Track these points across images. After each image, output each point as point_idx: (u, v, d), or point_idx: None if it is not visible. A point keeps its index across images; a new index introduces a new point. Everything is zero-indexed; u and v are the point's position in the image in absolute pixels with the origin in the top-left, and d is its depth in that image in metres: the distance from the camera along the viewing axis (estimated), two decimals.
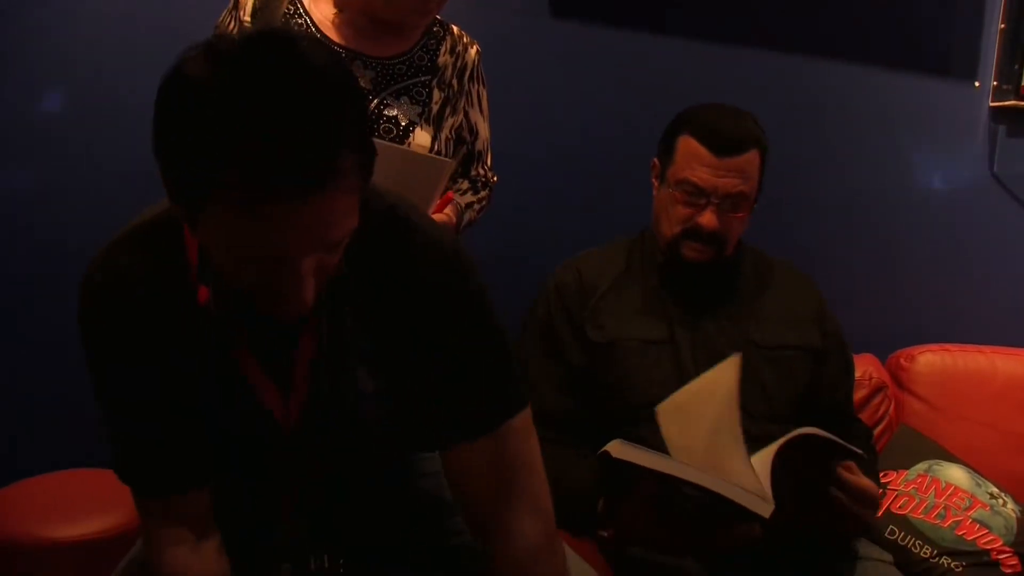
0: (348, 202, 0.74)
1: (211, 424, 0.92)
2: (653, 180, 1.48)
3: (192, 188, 0.71)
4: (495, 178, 1.68)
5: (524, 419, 0.94)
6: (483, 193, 1.63)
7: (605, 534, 1.28)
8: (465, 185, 1.62)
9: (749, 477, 1.13)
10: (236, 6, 1.47)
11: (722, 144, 1.35)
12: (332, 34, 1.47)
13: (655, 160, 1.47)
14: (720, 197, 1.36)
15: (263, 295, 0.78)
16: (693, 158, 1.36)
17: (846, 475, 1.20)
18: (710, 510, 1.15)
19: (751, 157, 1.37)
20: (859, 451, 1.18)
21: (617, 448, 1.14)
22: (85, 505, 1.70)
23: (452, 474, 0.96)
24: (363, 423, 0.94)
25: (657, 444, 1.34)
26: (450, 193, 1.51)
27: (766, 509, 1.09)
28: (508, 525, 0.92)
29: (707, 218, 1.37)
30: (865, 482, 1.22)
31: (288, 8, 1.46)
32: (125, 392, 0.91)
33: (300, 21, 1.46)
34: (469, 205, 1.58)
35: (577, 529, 1.31)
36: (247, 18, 1.45)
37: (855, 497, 1.20)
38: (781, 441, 1.15)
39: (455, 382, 0.91)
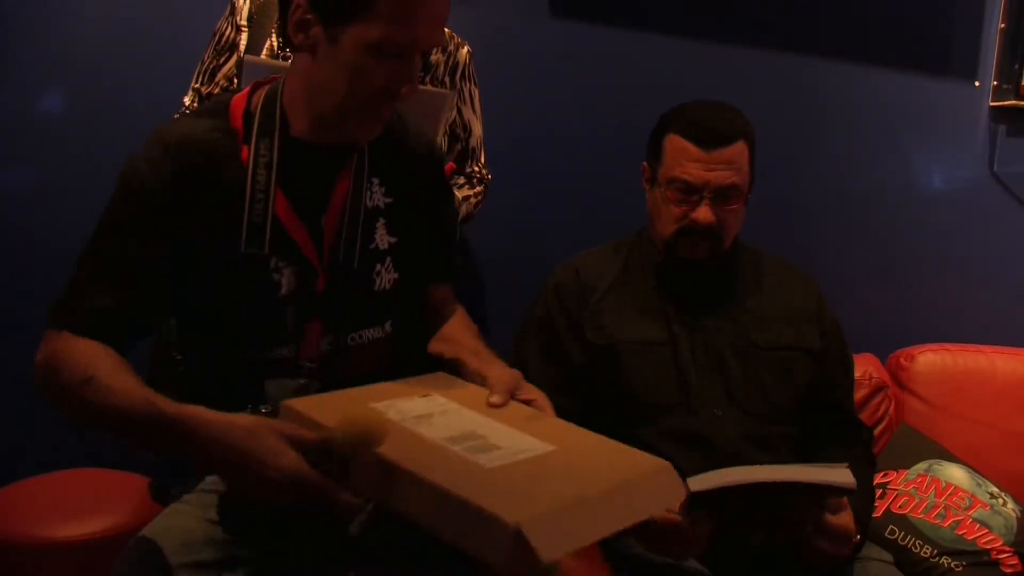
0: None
1: (234, 281, 1.05)
2: (644, 184, 1.48)
3: None
4: (490, 176, 1.69)
5: None
6: (478, 188, 1.65)
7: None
8: (461, 180, 1.64)
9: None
10: (232, 11, 1.49)
11: (708, 137, 1.35)
12: None
13: (644, 164, 1.47)
14: (712, 191, 1.36)
15: (375, 100, 1.02)
16: (681, 155, 1.36)
17: (830, 519, 1.20)
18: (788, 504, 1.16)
19: (739, 148, 1.37)
20: (850, 482, 1.13)
21: (694, 482, 1.12)
22: (85, 505, 1.70)
23: (432, 307, 1.24)
24: (374, 286, 1.14)
25: (656, 446, 1.34)
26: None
27: (848, 477, 1.09)
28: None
29: (702, 213, 1.36)
30: (843, 521, 1.22)
31: None
32: (145, 235, 1.01)
33: None
34: (466, 199, 1.61)
35: None
36: (243, 22, 1.47)
37: (832, 538, 1.21)
38: (764, 478, 1.13)
39: (437, 239, 1.23)
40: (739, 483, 1.10)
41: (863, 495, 1.34)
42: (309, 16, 0.98)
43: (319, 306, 1.09)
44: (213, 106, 1.09)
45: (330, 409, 0.94)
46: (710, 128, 1.36)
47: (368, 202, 1.13)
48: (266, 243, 1.05)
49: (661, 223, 1.42)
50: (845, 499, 1.23)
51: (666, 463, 0.90)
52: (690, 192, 1.37)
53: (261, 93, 1.09)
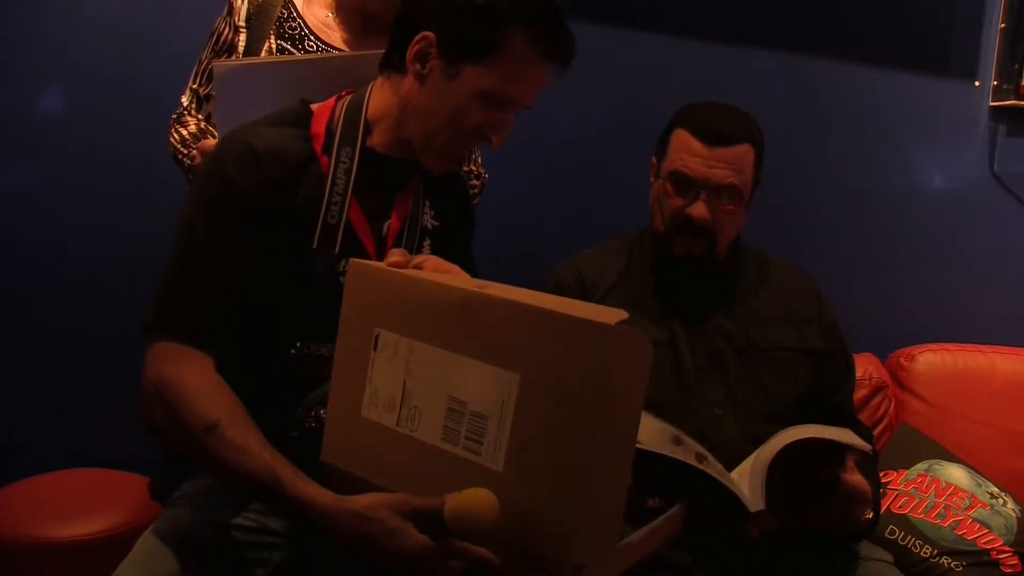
0: None
1: (302, 278, 1.08)
2: (652, 178, 1.49)
3: (492, 32, 1.03)
4: (486, 174, 1.70)
5: None
6: (475, 183, 1.65)
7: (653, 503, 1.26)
8: None
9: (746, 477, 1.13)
10: (230, 12, 1.48)
11: (713, 135, 1.36)
12: (326, 36, 1.47)
13: (653, 158, 1.48)
14: (710, 188, 1.36)
15: (462, 139, 1.12)
16: (684, 149, 1.37)
17: (842, 475, 1.19)
18: (702, 500, 1.14)
19: (743, 150, 1.37)
20: (865, 446, 1.16)
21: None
22: (85, 505, 1.70)
23: None
24: None
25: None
26: None
27: (755, 506, 1.09)
28: None
29: (698, 210, 1.36)
30: (858, 479, 1.21)
31: (282, 12, 1.47)
32: (234, 241, 1.04)
33: (294, 24, 1.47)
34: None
35: None
36: (241, 23, 1.46)
37: (846, 496, 1.19)
38: (782, 444, 1.14)
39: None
40: (669, 456, 1.08)
41: (873, 480, 1.33)
42: (433, 50, 1.06)
43: None
44: (288, 115, 1.14)
45: (364, 454, 0.95)
46: (716, 126, 1.36)
47: (421, 221, 1.20)
48: (338, 244, 1.10)
49: (658, 215, 1.43)
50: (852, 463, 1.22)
51: (618, 316, 0.79)
52: (688, 187, 1.37)
53: (344, 103, 1.15)
